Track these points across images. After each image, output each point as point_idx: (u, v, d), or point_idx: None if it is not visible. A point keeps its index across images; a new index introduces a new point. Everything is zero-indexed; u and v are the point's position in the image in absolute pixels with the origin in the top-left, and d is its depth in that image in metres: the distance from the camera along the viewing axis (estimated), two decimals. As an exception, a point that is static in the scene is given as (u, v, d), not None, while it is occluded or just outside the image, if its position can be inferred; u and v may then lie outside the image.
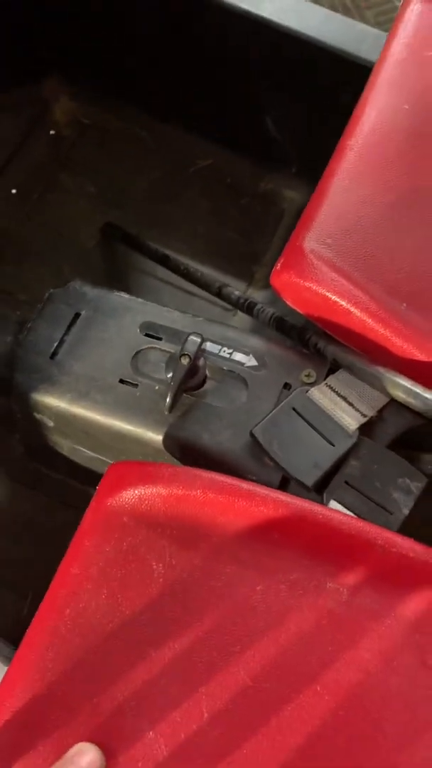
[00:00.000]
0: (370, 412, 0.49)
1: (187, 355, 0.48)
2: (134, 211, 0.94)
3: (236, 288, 0.67)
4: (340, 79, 0.76)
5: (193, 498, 0.42)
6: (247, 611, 0.41)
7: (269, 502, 0.42)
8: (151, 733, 0.39)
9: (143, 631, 0.40)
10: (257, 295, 0.90)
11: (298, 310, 0.50)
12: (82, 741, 0.38)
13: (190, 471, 0.43)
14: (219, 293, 0.64)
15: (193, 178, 0.98)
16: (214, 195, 0.97)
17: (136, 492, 0.43)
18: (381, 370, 0.47)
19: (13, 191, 0.96)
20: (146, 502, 0.43)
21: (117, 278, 0.90)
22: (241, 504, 0.42)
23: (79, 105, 1.02)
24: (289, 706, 0.40)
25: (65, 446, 0.64)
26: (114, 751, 0.38)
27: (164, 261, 0.75)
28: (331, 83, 0.80)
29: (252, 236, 0.94)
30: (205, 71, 0.90)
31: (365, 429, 0.49)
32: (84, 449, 0.62)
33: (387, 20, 1.18)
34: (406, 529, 0.48)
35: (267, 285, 0.90)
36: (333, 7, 1.19)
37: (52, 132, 1.01)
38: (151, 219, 0.93)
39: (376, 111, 0.54)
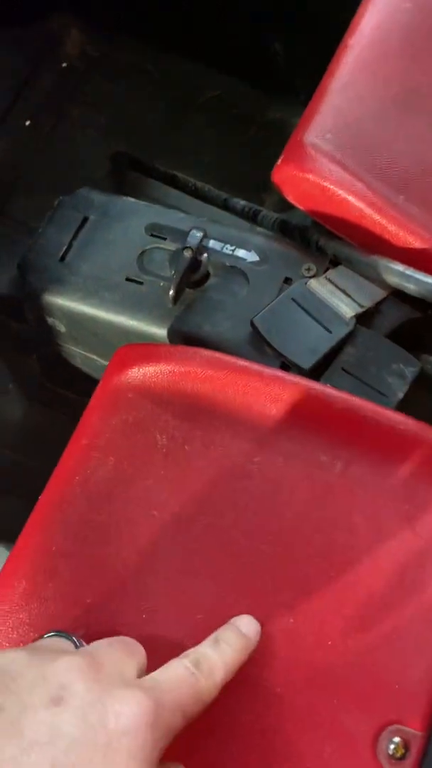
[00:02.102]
0: (368, 303, 0.50)
1: (189, 248, 0.50)
2: (143, 142, 0.95)
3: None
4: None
5: (193, 375, 0.44)
6: (244, 479, 0.43)
7: (266, 378, 0.44)
8: (153, 587, 0.41)
9: (147, 494, 0.43)
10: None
11: (298, 206, 0.52)
12: (86, 592, 0.41)
13: (190, 350, 0.45)
14: (225, 205, 0.66)
15: (201, 109, 0.98)
16: (222, 125, 0.97)
17: (141, 370, 0.45)
18: (377, 258, 0.48)
19: (27, 123, 0.97)
20: (150, 379, 0.45)
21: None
22: (239, 380, 0.44)
23: (89, 38, 1.02)
24: (284, 566, 0.42)
25: (78, 356, 0.66)
26: (118, 604, 0.41)
27: (172, 181, 0.76)
28: (336, 6, 0.80)
29: (260, 165, 0.95)
30: (209, 3, 0.90)
31: (363, 320, 0.51)
32: (96, 357, 0.64)
33: None
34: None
35: (275, 211, 0.91)
36: None
37: (63, 65, 1.02)
38: (160, 150, 0.94)
39: (378, 10, 0.55)
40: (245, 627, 0.39)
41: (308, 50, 0.89)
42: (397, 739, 0.39)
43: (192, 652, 0.35)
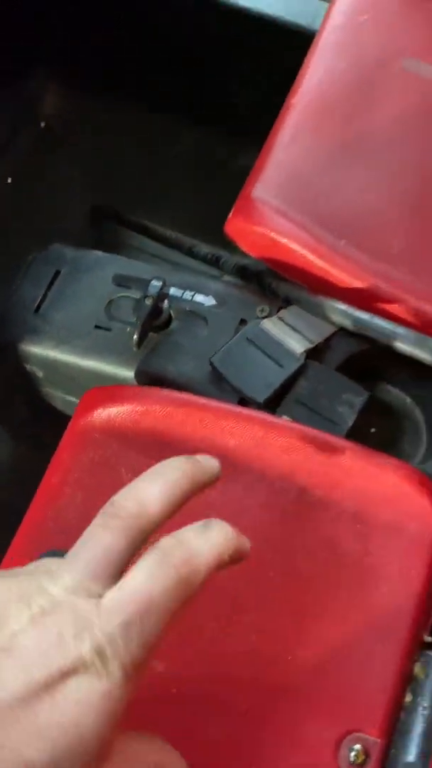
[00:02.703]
0: (317, 339, 0.54)
1: (150, 296, 0.54)
2: (122, 193, 1.00)
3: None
4: (299, 54, 0.82)
5: (153, 413, 0.48)
6: (205, 509, 0.46)
7: (222, 413, 0.48)
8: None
9: (114, 526, 0.46)
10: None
11: (250, 254, 0.56)
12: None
13: (150, 390, 0.49)
14: (190, 252, 0.70)
15: (176, 161, 1.04)
16: (196, 175, 1.03)
17: (106, 411, 0.49)
18: (322, 299, 0.52)
19: (9, 180, 1.03)
20: (114, 419, 0.49)
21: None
22: (197, 415, 0.48)
23: (67, 98, 1.08)
24: (246, 588, 0.45)
25: (58, 399, 0.70)
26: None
27: (145, 231, 0.81)
28: (291, 60, 0.85)
29: (229, 210, 1.00)
30: (177, 61, 0.96)
31: (314, 355, 0.55)
32: (74, 399, 0.68)
33: None
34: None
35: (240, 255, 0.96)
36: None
37: (42, 124, 1.07)
38: (138, 199, 0.99)
39: (317, 71, 0.60)
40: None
41: (269, 104, 0.96)
42: (357, 747, 0.42)
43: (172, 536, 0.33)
